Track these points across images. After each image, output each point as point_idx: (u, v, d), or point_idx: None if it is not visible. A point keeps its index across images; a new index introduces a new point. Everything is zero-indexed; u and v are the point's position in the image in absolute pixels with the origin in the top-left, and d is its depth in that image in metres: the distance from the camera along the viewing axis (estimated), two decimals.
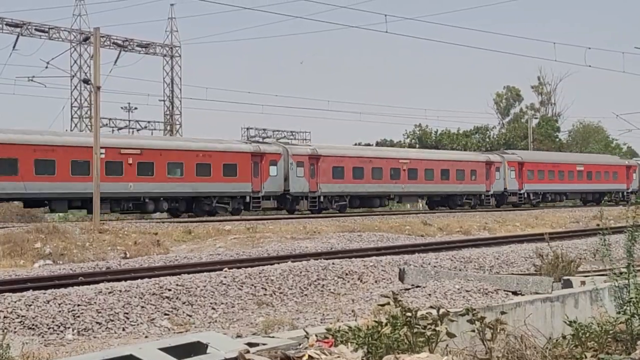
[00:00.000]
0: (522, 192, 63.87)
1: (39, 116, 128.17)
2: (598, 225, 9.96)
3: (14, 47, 58.23)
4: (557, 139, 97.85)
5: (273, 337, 7.89)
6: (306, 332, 7.69)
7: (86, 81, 46.57)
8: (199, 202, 45.19)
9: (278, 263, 18.41)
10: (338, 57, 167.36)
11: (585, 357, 7.56)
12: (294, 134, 74.77)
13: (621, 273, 9.14)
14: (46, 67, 48.88)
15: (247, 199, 46.95)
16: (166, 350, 6.07)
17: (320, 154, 50.71)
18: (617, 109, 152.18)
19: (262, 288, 15.70)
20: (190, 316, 13.69)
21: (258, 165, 47.25)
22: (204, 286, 15.07)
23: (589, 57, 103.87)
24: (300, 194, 49.34)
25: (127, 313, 13.16)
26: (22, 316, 12.31)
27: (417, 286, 13.85)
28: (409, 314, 7.63)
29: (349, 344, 7.11)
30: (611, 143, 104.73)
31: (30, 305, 12.72)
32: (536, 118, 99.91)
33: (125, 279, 15.83)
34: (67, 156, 39.22)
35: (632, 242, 9.30)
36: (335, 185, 51.26)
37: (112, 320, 12.79)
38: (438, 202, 60.21)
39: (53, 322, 12.32)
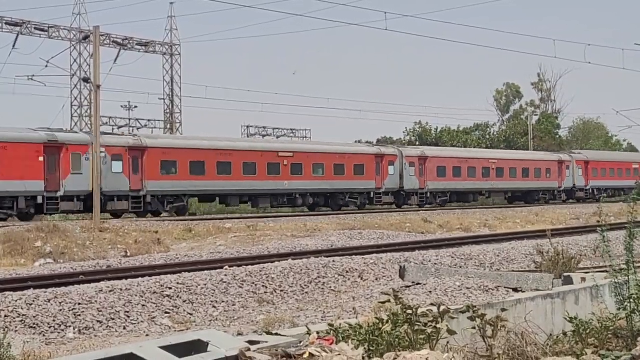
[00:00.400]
0: (587, 188, 69.35)
1: (40, 115, 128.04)
2: (598, 221, 9.95)
3: (13, 46, 58.24)
4: (558, 136, 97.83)
5: (274, 335, 7.90)
6: (308, 329, 7.70)
7: (86, 80, 46.65)
8: (334, 197, 51.45)
9: (279, 261, 18.42)
10: (338, 54, 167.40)
11: (586, 354, 7.56)
12: (294, 131, 74.88)
13: (621, 270, 9.14)
14: (46, 66, 49.02)
15: (372, 195, 53.38)
16: (167, 348, 6.07)
17: (428, 155, 57.37)
18: (617, 106, 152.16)
19: (263, 286, 15.70)
20: (191, 314, 13.69)
21: (379, 165, 53.50)
22: (205, 284, 15.08)
23: (589, 54, 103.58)
24: (412, 190, 55.70)
25: (128, 312, 13.16)
26: (23, 315, 12.32)
27: (418, 283, 13.85)
28: (409, 311, 7.64)
29: (350, 341, 7.11)
30: (611, 140, 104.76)
31: (31, 304, 12.73)
32: (536, 115, 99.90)
33: (126, 278, 15.83)
34: (240, 159, 45.95)
35: (632, 239, 9.30)
36: (440, 183, 57.60)
37: (113, 319, 12.79)
38: (518, 198, 65.67)
39: (54, 320, 12.32)
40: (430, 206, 55.89)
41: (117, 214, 41.12)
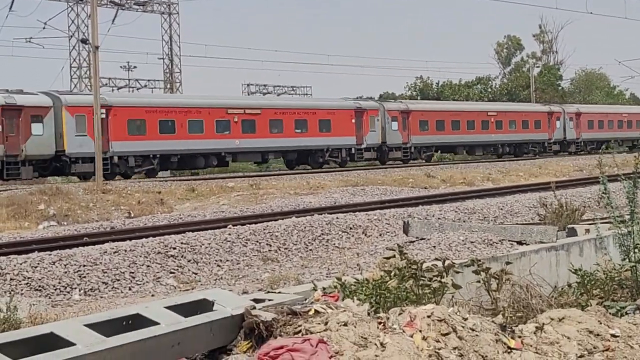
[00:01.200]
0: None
1: (39, 77, 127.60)
2: (602, 172, 9.90)
3: (10, 8, 57.98)
4: (560, 88, 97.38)
5: (279, 292, 7.91)
6: (314, 285, 7.71)
7: (84, 41, 46.28)
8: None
9: (282, 219, 18.44)
10: (336, 9, 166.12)
11: (591, 305, 7.57)
12: (294, 89, 74.60)
13: (622, 221, 9.12)
14: (44, 28, 48.83)
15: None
16: (172, 308, 6.07)
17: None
18: (620, 56, 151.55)
19: (267, 244, 15.74)
20: (195, 274, 13.74)
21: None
22: (209, 244, 15.11)
23: (590, 4, 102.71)
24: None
25: (132, 272, 13.21)
26: (29, 278, 12.36)
27: (422, 238, 13.87)
28: (414, 266, 7.63)
29: (355, 297, 7.12)
30: (613, 90, 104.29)
31: (36, 267, 12.77)
32: (538, 67, 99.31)
33: (130, 239, 15.86)
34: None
35: (634, 189, 9.26)
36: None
37: (118, 280, 12.84)
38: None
39: (59, 283, 12.37)
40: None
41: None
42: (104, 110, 37.44)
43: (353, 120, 50.67)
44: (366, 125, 51.27)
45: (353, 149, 50.80)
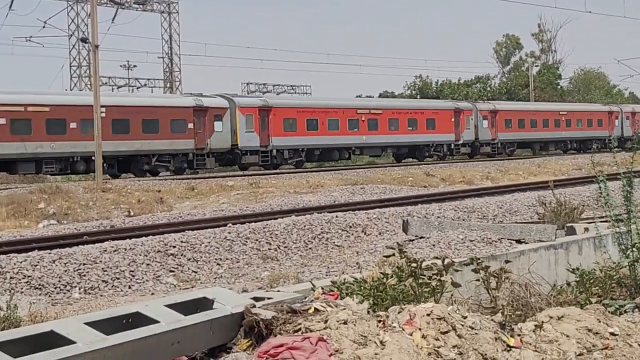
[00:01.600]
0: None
1: (38, 76, 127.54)
2: (601, 172, 9.93)
3: (10, 7, 57.83)
4: (559, 87, 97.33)
5: (279, 291, 7.93)
6: (313, 284, 7.72)
7: (84, 40, 46.18)
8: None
9: (282, 217, 18.45)
10: (336, 8, 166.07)
11: (590, 303, 7.59)
12: (294, 88, 74.61)
13: (620, 220, 9.13)
14: (43, 27, 48.74)
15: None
16: (172, 306, 6.08)
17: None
18: (619, 55, 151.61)
19: (267, 243, 15.75)
20: (195, 272, 13.75)
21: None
22: (209, 242, 15.11)
23: (589, 3, 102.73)
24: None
25: (132, 271, 13.22)
26: (29, 276, 12.37)
27: (421, 237, 13.87)
28: (414, 264, 7.65)
29: (355, 296, 7.13)
30: (613, 89, 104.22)
31: (36, 266, 12.78)
32: (537, 66, 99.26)
33: (130, 237, 15.87)
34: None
35: (630, 188, 9.28)
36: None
37: (118, 279, 12.86)
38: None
39: (59, 281, 12.38)
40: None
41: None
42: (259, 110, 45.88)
43: (452, 119, 57.21)
44: (462, 124, 57.86)
45: (452, 145, 57.65)
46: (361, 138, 50.92)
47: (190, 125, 42.86)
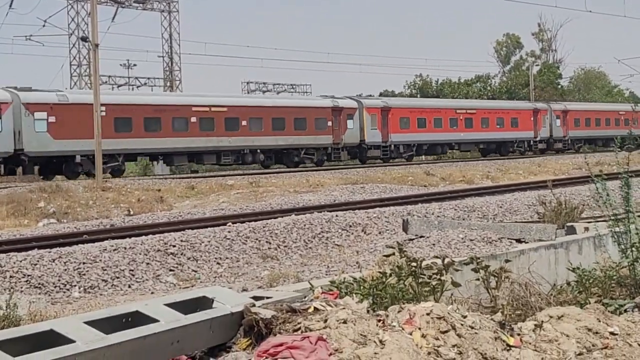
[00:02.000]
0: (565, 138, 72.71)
1: (39, 75, 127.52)
2: (601, 171, 9.93)
3: (10, 5, 57.83)
4: (559, 86, 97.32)
5: (278, 290, 7.92)
6: (311, 285, 7.71)
7: (84, 39, 46.24)
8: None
9: (282, 216, 18.43)
10: (336, 7, 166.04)
11: (590, 303, 7.59)
12: (294, 87, 74.61)
13: (618, 220, 9.13)
14: (43, 26, 48.80)
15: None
16: (172, 305, 6.08)
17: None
18: (619, 54, 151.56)
19: (267, 242, 15.73)
20: (195, 271, 13.74)
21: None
22: (209, 241, 15.10)
23: (589, 3, 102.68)
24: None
25: (132, 270, 13.20)
26: (28, 275, 12.36)
27: (421, 236, 13.86)
28: (413, 264, 7.64)
29: (354, 295, 7.13)
30: (613, 89, 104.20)
31: (35, 265, 12.77)
32: (537, 65, 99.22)
33: (130, 236, 15.86)
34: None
35: (628, 188, 9.28)
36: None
37: (118, 278, 12.84)
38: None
39: (59, 280, 12.37)
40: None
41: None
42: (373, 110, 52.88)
43: (532, 119, 64.38)
44: (540, 122, 65.06)
45: (531, 141, 65.04)
46: (459, 135, 58.09)
47: (329, 123, 49.65)
